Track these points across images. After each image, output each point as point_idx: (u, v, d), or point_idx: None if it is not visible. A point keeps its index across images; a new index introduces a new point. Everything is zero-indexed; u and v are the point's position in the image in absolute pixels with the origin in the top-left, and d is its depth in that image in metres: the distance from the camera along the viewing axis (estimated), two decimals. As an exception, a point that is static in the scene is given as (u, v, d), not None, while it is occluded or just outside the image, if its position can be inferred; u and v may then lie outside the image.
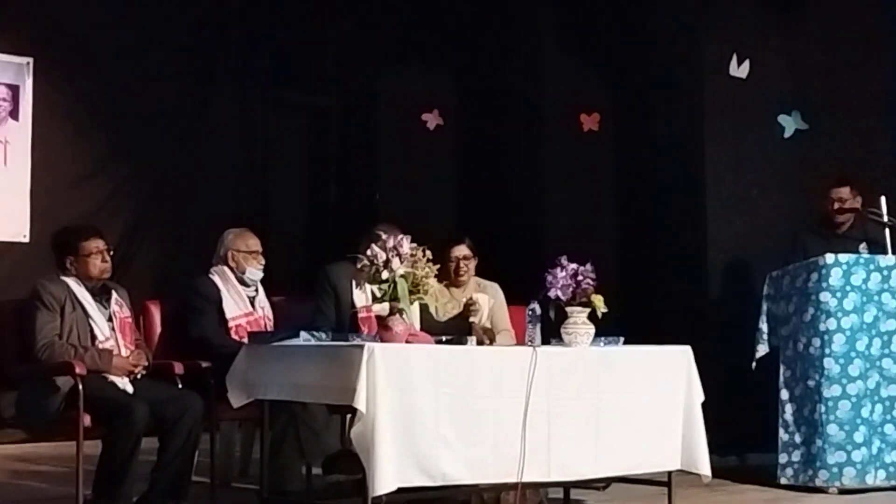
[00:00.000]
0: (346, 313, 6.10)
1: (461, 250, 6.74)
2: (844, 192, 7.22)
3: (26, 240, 8.39)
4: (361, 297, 6.03)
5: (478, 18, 9.15)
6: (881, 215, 6.83)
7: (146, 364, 5.64)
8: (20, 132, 8.45)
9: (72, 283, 5.57)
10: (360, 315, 6.10)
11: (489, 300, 6.64)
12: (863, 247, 7.07)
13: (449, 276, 6.61)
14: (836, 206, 7.21)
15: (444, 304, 6.53)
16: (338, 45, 9.92)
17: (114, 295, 5.71)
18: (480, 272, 6.90)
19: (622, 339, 5.82)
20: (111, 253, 5.75)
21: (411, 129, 9.33)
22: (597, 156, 8.76)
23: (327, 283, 6.19)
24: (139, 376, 5.57)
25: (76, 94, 8.69)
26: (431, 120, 9.38)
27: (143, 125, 8.94)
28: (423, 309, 5.72)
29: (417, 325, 5.65)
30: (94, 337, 5.51)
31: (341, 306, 6.14)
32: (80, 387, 5.21)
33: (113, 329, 5.60)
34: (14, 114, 8.44)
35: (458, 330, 5.80)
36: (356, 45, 9.69)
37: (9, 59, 8.42)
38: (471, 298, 6.53)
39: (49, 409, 5.35)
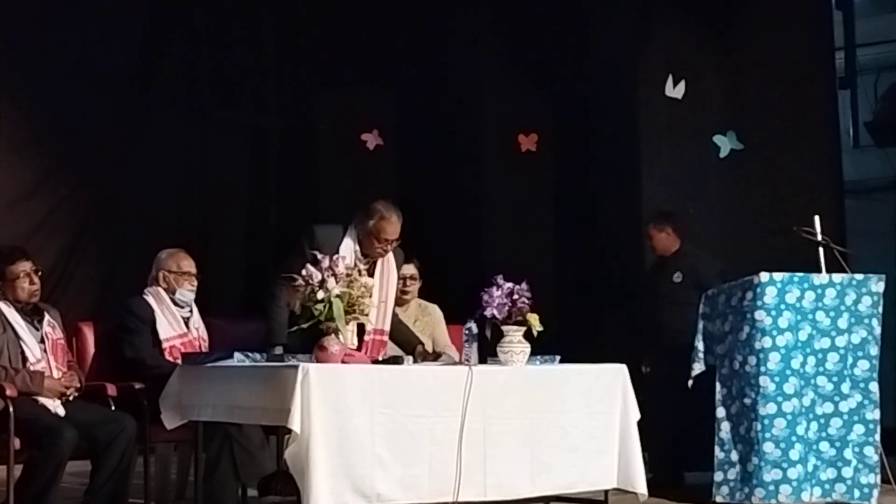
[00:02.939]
0: None
1: (409, 269, 6.84)
2: (659, 229, 7.58)
3: (-40, 262, 8.26)
4: None
5: (418, 39, 9.18)
6: (815, 234, 6.91)
7: (78, 386, 5.58)
8: (-45, 153, 8.35)
9: (2, 304, 5.52)
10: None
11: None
12: (677, 275, 7.44)
13: None
14: (651, 244, 7.61)
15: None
16: (278, 64, 9.90)
17: (46, 316, 5.66)
18: (420, 290, 6.95)
19: (558, 357, 5.84)
20: (40, 274, 5.70)
21: (351, 149, 9.31)
22: (535, 176, 8.80)
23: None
24: (71, 398, 5.51)
25: (13, 114, 8.59)
26: (371, 140, 9.37)
27: (81, 145, 8.85)
28: None
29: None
30: (25, 359, 5.46)
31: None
32: (11, 409, 5.15)
33: (45, 351, 5.55)
34: (-51, 134, 8.34)
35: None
36: (296, 65, 9.68)
37: (-57, 80, 8.33)
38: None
39: (-22, 431, 5.28)
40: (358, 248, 5.93)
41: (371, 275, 5.88)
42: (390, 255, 6.07)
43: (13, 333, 5.47)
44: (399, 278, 6.63)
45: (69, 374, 5.58)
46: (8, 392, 5.19)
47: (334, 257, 5.32)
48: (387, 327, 6.02)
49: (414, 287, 6.93)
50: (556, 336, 6.08)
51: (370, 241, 5.92)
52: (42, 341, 5.58)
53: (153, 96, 9.34)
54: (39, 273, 5.70)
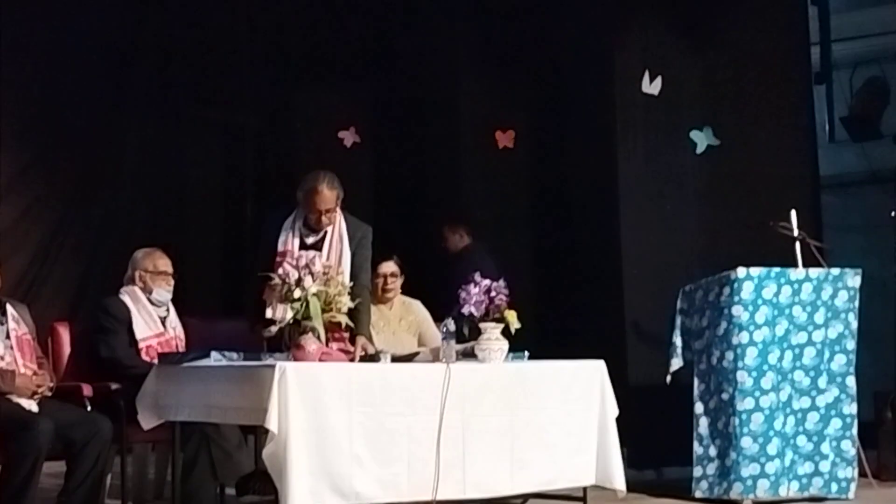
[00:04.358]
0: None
1: (389, 267, 6.82)
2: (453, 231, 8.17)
3: (-67, 262, 8.21)
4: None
5: (394, 35, 9.16)
6: (791, 229, 6.93)
7: (51, 385, 5.55)
8: (-72, 151, 8.29)
9: (-36, 300, 5.47)
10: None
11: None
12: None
13: (374, 293, 6.59)
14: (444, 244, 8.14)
15: (375, 321, 6.51)
16: (254, 62, 9.86)
17: (9, 311, 5.59)
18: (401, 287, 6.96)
19: (527, 353, 5.83)
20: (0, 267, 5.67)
21: (328, 147, 9.28)
22: (512, 172, 8.81)
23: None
24: (41, 397, 5.48)
25: (-15, 112, 8.55)
26: (348, 137, 9.36)
27: (55, 145, 8.80)
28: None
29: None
30: (-12, 356, 5.42)
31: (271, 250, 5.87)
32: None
33: (10, 347, 5.49)
34: (-78, 133, 8.28)
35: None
36: (272, 62, 9.65)
37: (-84, 78, 8.27)
38: None
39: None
40: (301, 222, 5.92)
41: (319, 249, 5.88)
42: (341, 225, 5.99)
43: (-26, 330, 5.43)
44: (377, 276, 6.63)
45: (41, 374, 5.55)
46: (-24, 392, 5.15)
47: (311, 256, 5.31)
48: None
49: (396, 284, 6.90)
50: (534, 332, 6.08)
51: (307, 212, 5.91)
52: (7, 337, 5.53)
53: (128, 94, 9.29)
54: None
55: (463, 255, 7.89)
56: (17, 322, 5.60)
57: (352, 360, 5.49)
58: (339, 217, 5.99)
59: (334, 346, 5.56)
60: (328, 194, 5.86)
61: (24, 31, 8.63)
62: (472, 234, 8.06)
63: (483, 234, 8.72)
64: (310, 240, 5.91)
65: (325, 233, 5.95)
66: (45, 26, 8.72)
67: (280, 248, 5.76)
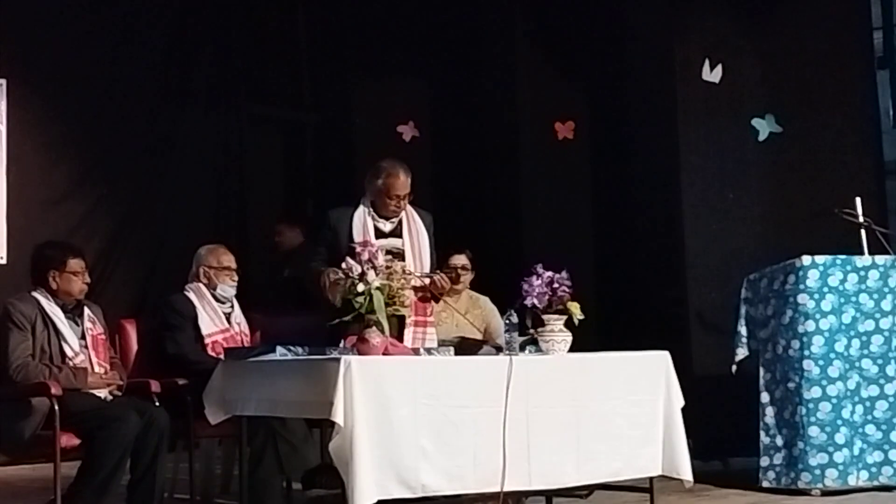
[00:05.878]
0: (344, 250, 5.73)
1: (460, 259, 6.92)
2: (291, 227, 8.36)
3: (3, 261, 8.34)
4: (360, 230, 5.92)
5: (451, 29, 9.16)
6: (856, 216, 6.85)
7: (121, 384, 5.62)
8: (-6, 153, 8.41)
9: (42, 299, 5.54)
10: None
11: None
12: (287, 272, 8.06)
13: None
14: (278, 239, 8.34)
15: (438, 313, 6.54)
16: (312, 58, 9.92)
17: (86, 311, 5.68)
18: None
19: None
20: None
21: (387, 142, 9.30)
22: (572, 163, 8.78)
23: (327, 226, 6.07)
24: (112, 395, 5.55)
25: (50, 114, 8.66)
26: (407, 132, 9.37)
27: (118, 144, 8.91)
28: None
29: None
30: (63, 354, 5.48)
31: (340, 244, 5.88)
32: (56, 407, 5.19)
33: (85, 346, 5.57)
34: (-12, 135, 8.40)
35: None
36: (330, 59, 9.69)
37: (-17, 81, 8.39)
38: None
39: (25, 430, 5.31)
40: (372, 211, 5.97)
41: (399, 235, 5.95)
42: (414, 213, 6.08)
43: (53, 329, 5.50)
44: (448, 268, 6.65)
45: (112, 374, 5.62)
46: (53, 391, 5.21)
47: (373, 249, 5.32)
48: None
49: (466, 277, 6.98)
50: (597, 323, 6.05)
51: (382, 200, 5.97)
52: (83, 337, 5.60)
53: (188, 93, 9.38)
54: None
55: (296, 254, 7.92)
56: (92, 322, 5.69)
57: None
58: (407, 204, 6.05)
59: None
60: (405, 179, 5.98)
61: (85, 33, 8.73)
62: (307, 234, 8.08)
63: (543, 225, 8.71)
64: (387, 228, 5.96)
65: (400, 220, 6.00)
66: (105, 27, 8.82)
67: (357, 239, 5.77)
